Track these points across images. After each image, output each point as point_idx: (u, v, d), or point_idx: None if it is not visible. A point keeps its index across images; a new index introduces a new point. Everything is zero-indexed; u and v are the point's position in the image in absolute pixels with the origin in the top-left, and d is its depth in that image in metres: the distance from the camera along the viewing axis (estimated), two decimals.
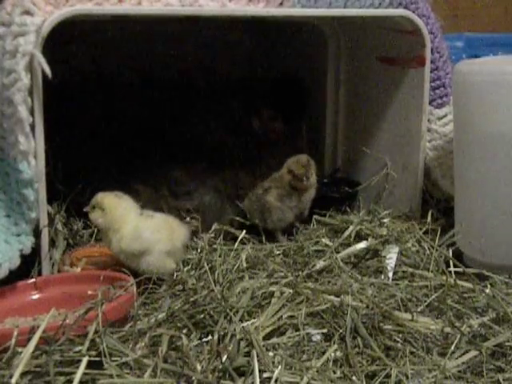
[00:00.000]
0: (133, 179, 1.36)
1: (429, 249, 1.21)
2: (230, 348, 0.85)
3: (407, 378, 0.84)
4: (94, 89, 1.51)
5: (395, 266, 1.17)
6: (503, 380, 0.85)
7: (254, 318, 0.95)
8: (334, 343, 0.91)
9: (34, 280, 1.08)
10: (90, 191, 1.31)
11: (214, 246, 1.24)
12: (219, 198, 1.39)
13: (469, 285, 1.10)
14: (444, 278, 1.10)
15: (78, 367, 0.80)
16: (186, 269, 1.15)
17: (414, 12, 1.35)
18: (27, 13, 1.07)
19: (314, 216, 1.40)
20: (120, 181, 1.32)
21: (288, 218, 1.35)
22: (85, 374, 0.80)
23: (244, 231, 1.30)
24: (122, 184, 1.29)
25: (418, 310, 1.01)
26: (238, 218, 1.36)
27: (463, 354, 0.90)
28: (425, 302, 1.04)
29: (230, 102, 1.54)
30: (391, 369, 0.85)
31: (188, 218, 1.31)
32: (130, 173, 1.36)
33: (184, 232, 1.16)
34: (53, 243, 1.20)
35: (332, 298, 1.00)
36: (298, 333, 0.93)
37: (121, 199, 1.15)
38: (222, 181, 1.41)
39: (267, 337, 0.91)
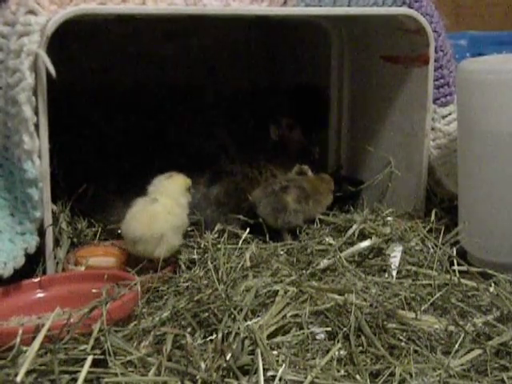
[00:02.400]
0: (131, 193, 1.35)
1: (432, 247, 1.21)
2: (234, 346, 0.85)
3: (411, 376, 0.84)
4: (98, 92, 1.51)
5: (399, 264, 1.17)
6: (507, 378, 0.85)
7: (258, 317, 0.95)
8: (338, 342, 0.91)
9: (38, 279, 1.08)
10: (92, 192, 1.33)
11: (218, 246, 1.24)
12: (221, 212, 1.39)
13: (473, 283, 1.10)
14: (448, 276, 1.10)
15: (82, 366, 0.81)
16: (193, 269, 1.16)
17: (417, 10, 1.35)
18: (31, 12, 1.07)
19: (317, 215, 1.40)
20: (118, 194, 1.33)
21: (299, 221, 1.36)
22: (89, 372, 0.81)
23: (248, 230, 1.30)
24: (120, 198, 1.31)
25: (422, 308, 1.01)
26: (241, 217, 1.36)
27: (467, 352, 0.90)
28: (429, 300, 1.04)
29: (243, 110, 1.53)
30: (395, 367, 0.85)
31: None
32: (126, 183, 1.35)
33: (137, 228, 1.15)
34: (57, 242, 1.21)
35: (336, 296, 1.00)
36: (302, 331, 0.93)
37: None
38: (225, 193, 1.40)
39: (271, 335, 0.91)
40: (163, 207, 1.17)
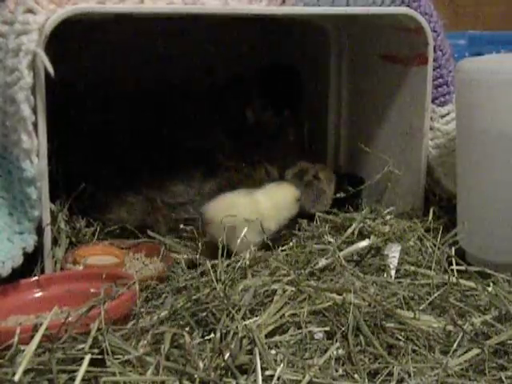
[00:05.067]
0: (126, 190, 1.35)
1: (431, 247, 1.21)
2: (232, 346, 0.85)
3: (409, 376, 0.84)
4: (97, 91, 1.51)
5: (397, 264, 1.17)
6: (505, 378, 0.85)
7: (257, 316, 0.95)
8: (336, 341, 0.91)
9: (36, 278, 1.08)
10: (90, 191, 1.32)
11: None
12: None
13: (471, 283, 1.10)
14: (446, 276, 1.10)
15: (80, 365, 0.81)
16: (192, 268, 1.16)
17: (416, 10, 1.35)
18: (30, 11, 1.07)
19: (317, 213, 1.40)
20: (114, 192, 1.33)
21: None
22: (87, 371, 0.81)
23: (246, 229, 1.30)
24: (115, 196, 1.31)
25: (421, 308, 1.01)
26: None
27: (465, 352, 0.90)
28: (427, 300, 1.04)
29: (224, 101, 1.52)
30: (393, 367, 0.85)
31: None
32: (123, 183, 1.35)
33: (212, 210, 1.21)
34: (55, 241, 1.20)
35: (334, 296, 1.00)
36: (300, 331, 0.93)
37: None
38: (218, 188, 1.39)
39: (269, 335, 0.91)
40: (249, 200, 1.21)
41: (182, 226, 1.30)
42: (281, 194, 1.28)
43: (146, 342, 0.88)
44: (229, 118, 1.49)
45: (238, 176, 1.42)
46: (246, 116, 1.50)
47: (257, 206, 1.23)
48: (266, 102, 1.51)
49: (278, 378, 0.81)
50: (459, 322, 0.96)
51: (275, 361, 0.85)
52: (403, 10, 1.34)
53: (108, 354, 0.83)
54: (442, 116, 1.44)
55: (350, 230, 1.28)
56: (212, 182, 1.39)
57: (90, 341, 0.85)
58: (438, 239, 1.22)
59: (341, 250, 1.20)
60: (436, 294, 1.04)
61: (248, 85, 1.52)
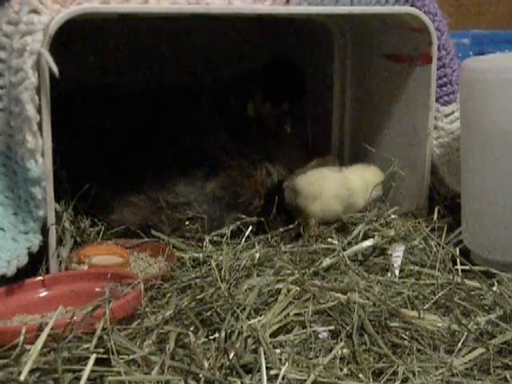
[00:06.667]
0: (129, 191, 1.35)
1: (435, 246, 1.21)
2: (237, 345, 0.86)
3: (414, 375, 0.84)
4: (101, 91, 1.50)
5: (402, 263, 1.17)
6: (510, 377, 0.85)
7: (261, 316, 0.95)
8: (341, 340, 0.91)
9: (41, 278, 1.09)
10: (94, 191, 1.33)
11: (221, 245, 1.24)
12: (218, 207, 1.38)
13: (476, 282, 1.10)
14: (451, 275, 1.09)
15: (85, 364, 0.81)
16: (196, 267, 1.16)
17: (420, 9, 1.35)
18: (34, 11, 1.07)
19: None
20: (117, 192, 1.33)
21: None
22: (93, 371, 0.81)
23: (250, 228, 1.30)
24: (118, 197, 1.31)
25: (425, 307, 1.01)
26: (243, 217, 1.36)
27: (470, 351, 0.90)
28: (432, 299, 1.04)
29: (226, 100, 1.51)
30: (398, 366, 0.85)
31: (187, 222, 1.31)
32: (126, 183, 1.36)
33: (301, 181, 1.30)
34: (60, 241, 1.21)
35: (339, 295, 1.00)
36: (304, 330, 0.93)
37: None
38: (221, 188, 1.39)
39: (274, 334, 0.92)
40: (339, 175, 1.31)
41: (187, 223, 1.30)
42: (369, 174, 1.38)
43: (150, 341, 0.89)
44: (231, 117, 1.48)
45: (240, 175, 1.42)
46: (247, 115, 1.49)
47: (346, 182, 1.32)
48: (266, 95, 1.49)
49: (283, 378, 0.81)
50: (464, 322, 0.96)
51: (280, 360, 0.85)
52: (407, 9, 1.34)
53: (113, 354, 0.83)
54: (446, 115, 1.44)
55: (356, 231, 1.28)
56: (214, 182, 1.39)
57: (95, 340, 0.85)
58: (443, 239, 1.22)
59: (345, 250, 1.20)
60: (440, 294, 1.04)
61: (250, 84, 1.51)
